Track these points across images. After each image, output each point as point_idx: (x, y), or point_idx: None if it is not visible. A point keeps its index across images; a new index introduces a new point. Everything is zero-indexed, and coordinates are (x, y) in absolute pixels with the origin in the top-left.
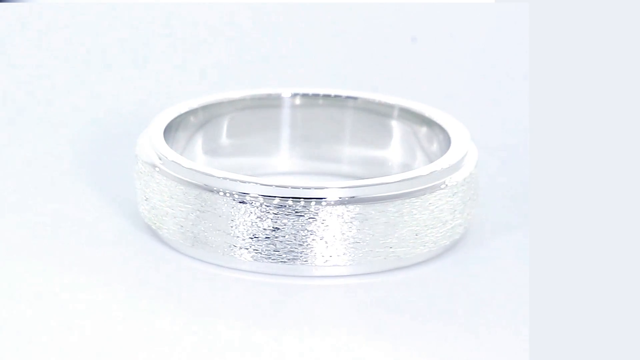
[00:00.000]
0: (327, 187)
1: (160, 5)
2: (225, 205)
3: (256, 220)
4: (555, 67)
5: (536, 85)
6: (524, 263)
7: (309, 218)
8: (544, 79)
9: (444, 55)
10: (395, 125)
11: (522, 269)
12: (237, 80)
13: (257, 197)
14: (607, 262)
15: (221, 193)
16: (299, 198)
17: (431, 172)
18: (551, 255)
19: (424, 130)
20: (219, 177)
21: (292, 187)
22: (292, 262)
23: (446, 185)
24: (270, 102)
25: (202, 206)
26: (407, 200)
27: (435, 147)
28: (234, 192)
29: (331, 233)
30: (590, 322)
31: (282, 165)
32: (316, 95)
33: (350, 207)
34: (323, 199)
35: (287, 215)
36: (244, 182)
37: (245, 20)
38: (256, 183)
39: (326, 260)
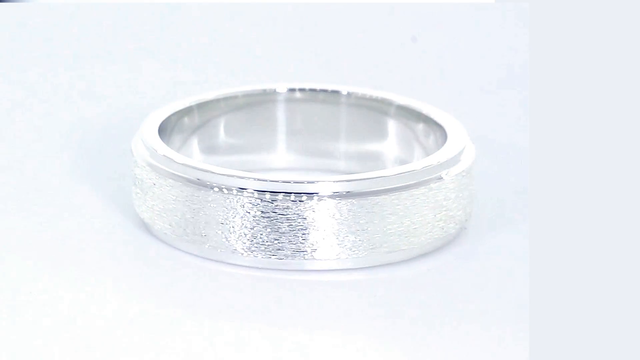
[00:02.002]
0: (321, 182)
1: (154, 5)
2: (221, 200)
3: (251, 216)
4: (555, 66)
5: (536, 85)
6: (523, 259)
7: (304, 213)
8: (544, 79)
9: (444, 55)
10: (392, 121)
11: (521, 265)
12: (234, 77)
13: (252, 193)
14: (607, 257)
15: (216, 189)
16: (294, 193)
17: (426, 166)
18: (551, 252)
19: (420, 126)
20: (214, 173)
21: (286, 182)
22: (287, 257)
23: (442, 179)
24: (265, 99)
25: (197, 202)
26: (402, 194)
27: (431, 143)
28: (229, 188)
29: (326, 228)
30: (590, 320)
31: (279, 162)
32: (312, 91)
33: (345, 201)
34: (317, 194)
35: (282, 210)
36: (240, 177)
37: (246, 19)
38: (251, 178)
39: (321, 255)
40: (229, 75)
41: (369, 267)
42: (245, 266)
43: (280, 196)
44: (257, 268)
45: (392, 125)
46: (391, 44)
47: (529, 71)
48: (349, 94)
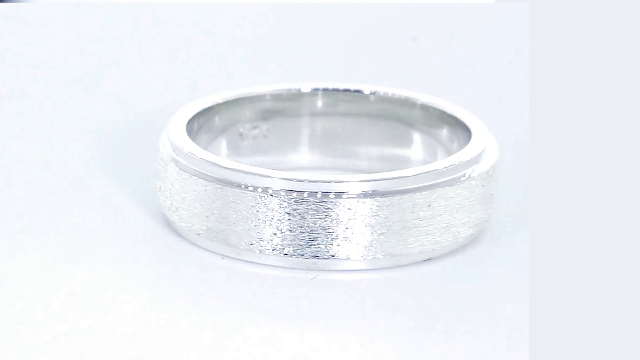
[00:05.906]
0: (348, 181)
1: (174, 5)
2: (247, 199)
3: (278, 214)
4: (555, 67)
5: (536, 86)
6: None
7: (331, 211)
8: (544, 79)
9: (444, 55)
10: (416, 121)
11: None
12: (256, 77)
13: (279, 191)
14: (610, 261)
15: (243, 187)
16: (321, 192)
17: (452, 165)
18: (554, 252)
19: (444, 126)
20: (241, 171)
21: (313, 181)
22: (312, 257)
23: (466, 178)
24: (290, 98)
25: (223, 200)
26: (428, 193)
27: (455, 145)
28: (255, 186)
29: (352, 227)
30: (592, 326)
31: (302, 162)
32: (336, 90)
33: (371, 200)
34: (345, 193)
35: (308, 208)
36: (268, 176)
37: (253, 20)
38: (279, 177)
39: (347, 255)
40: (251, 75)
41: (394, 266)
42: (270, 265)
43: (307, 195)
44: (283, 267)
45: (416, 125)
46: (390, 45)
47: (529, 71)
48: (372, 94)
